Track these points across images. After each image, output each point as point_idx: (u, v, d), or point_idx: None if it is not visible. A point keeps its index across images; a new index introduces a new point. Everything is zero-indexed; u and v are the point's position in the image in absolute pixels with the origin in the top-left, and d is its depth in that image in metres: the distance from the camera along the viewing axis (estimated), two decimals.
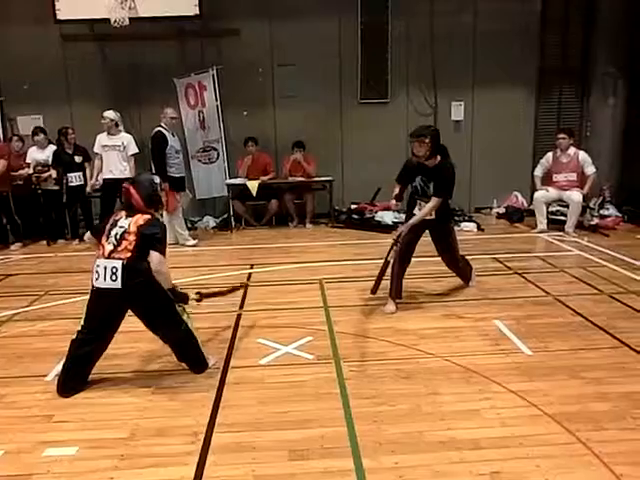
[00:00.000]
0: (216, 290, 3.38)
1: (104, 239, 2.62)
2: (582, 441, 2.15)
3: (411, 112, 7.21)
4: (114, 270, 2.52)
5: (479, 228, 6.45)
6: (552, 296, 3.90)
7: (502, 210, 7.12)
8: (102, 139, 6.09)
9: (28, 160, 6.25)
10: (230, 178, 6.95)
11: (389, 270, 3.71)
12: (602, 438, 2.16)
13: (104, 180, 6.16)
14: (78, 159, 6.25)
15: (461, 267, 4.05)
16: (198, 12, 6.36)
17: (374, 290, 3.66)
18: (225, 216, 7.09)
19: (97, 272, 2.57)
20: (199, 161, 7.17)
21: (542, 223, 6.16)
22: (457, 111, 7.28)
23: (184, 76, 6.90)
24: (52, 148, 6.27)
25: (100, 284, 2.56)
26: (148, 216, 2.64)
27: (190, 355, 2.80)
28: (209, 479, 2.00)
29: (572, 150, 6.10)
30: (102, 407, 2.51)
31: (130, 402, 2.55)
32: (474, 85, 7.18)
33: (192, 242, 6.05)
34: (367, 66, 7.10)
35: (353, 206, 7.04)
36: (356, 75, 7.13)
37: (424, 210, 3.63)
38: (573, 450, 2.10)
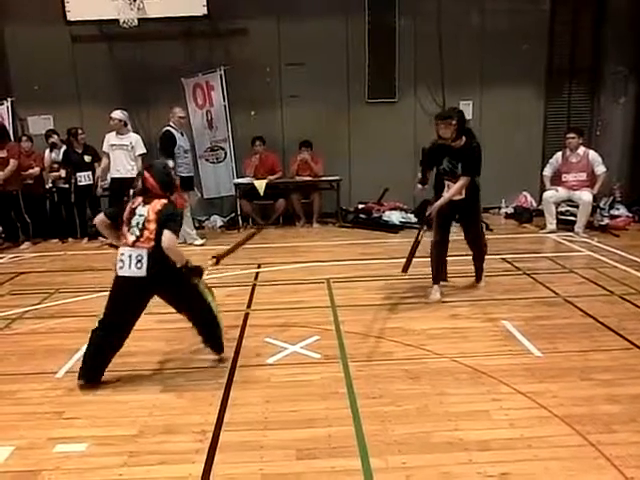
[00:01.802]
0: (229, 247, 3.24)
1: (125, 228, 2.64)
2: (592, 443, 2.12)
3: (419, 111, 7.18)
4: (139, 258, 2.55)
5: (487, 228, 6.39)
6: (562, 297, 3.87)
7: (511, 210, 7.07)
8: (110, 138, 6.14)
9: (46, 160, 6.37)
10: (237, 177, 6.98)
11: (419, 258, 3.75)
12: (613, 440, 2.14)
13: (111, 179, 6.21)
14: (87, 159, 6.32)
15: (483, 249, 4.07)
16: (206, 12, 6.38)
17: (405, 269, 3.69)
18: (232, 215, 7.11)
19: (122, 261, 2.58)
20: (207, 160, 7.20)
21: (551, 223, 6.11)
22: (465, 110, 7.20)
23: (192, 76, 6.93)
24: (64, 148, 6.36)
25: (125, 272, 2.58)
26: (164, 201, 2.65)
27: (215, 335, 2.86)
28: (217, 477, 2.01)
29: (582, 149, 6.05)
30: (111, 404, 2.53)
31: (139, 400, 2.56)
32: (482, 84, 7.13)
33: (200, 241, 6.07)
34: (374, 65, 7.08)
35: (360, 206, 7.03)
36: (363, 74, 7.12)
37: (453, 190, 3.67)
38: (583, 452, 2.08)
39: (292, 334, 3.30)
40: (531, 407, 2.41)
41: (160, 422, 2.37)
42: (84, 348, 3.11)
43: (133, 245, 2.58)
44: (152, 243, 2.56)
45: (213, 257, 2.97)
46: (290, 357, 3.00)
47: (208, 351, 3.01)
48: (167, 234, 2.56)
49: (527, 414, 2.35)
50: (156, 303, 2.77)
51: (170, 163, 2.88)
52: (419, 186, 3.85)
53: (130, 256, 2.56)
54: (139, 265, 2.54)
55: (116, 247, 2.77)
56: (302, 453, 2.12)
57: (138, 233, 2.58)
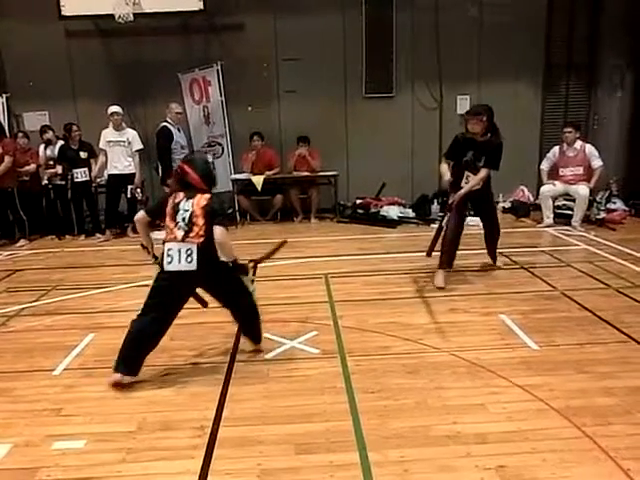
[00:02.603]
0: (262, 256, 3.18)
1: (171, 224, 2.61)
2: (589, 435, 2.14)
3: (416, 106, 7.17)
4: (189, 252, 2.56)
5: None
6: (559, 290, 3.88)
7: (508, 204, 7.07)
8: (107, 134, 6.12)
9: (41, 156, 6.34)
10: (235, 173, 6.96)
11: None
12: (609, 433, 2.15)
13: (109, 175, 6.19)
14: (83, 155, 6.29)
15: (496, 236, 4.37)
16: (202, 7, 6.35)
17: (429, 252, 3.92)
18: (230, 211, 7.09)
19: (170, 255, 2.58)
20: None
21: (549, 217, 6.13)
22: (463, 105, 7.21)
23: (188, 71, 6.89)
24: (59, 144, 6.32)
25: (174, 267, 2.57)
26: (208, 195, 2.64)
27: (256, 327, 2.92)
28: (215, 473, 2.01)
29: (579, 144, 6.05)
30: (109, 401, 2.53)
31: (137, 396, 2.56)
32: (480, 79, 7.11)
33: None
34: (372, 60, 7.05)
35: (358, 201, 7.02)
36: (361, 69, 7.09)
37: (473, 181, 3.90)
38: (579, 445, 2.09)
39: (290, 329, 3.30)
40: (528, 400, 2.42)
41: (158, 418, 2.37)
42: (83, 343, 3.14)
43: (183, 240, 2.57)
44: (202, 239, 2.57)
45: (250, 261, 2.92)
46: (288, 352, 3.00)
47: (207, 348, 3.02)
48: (219, 229, 2.58)
49: (524, 407, 2.36)
50: None
51: (210, 158, 2.91)
52: (448, 178, 4.00)
53: (179, 250, 2.56)
54: (189, 259, 2.55)
55: (144, 247, 2.77)
56: (300, 448, 2.13)
57: (186, 228, 2.58)
